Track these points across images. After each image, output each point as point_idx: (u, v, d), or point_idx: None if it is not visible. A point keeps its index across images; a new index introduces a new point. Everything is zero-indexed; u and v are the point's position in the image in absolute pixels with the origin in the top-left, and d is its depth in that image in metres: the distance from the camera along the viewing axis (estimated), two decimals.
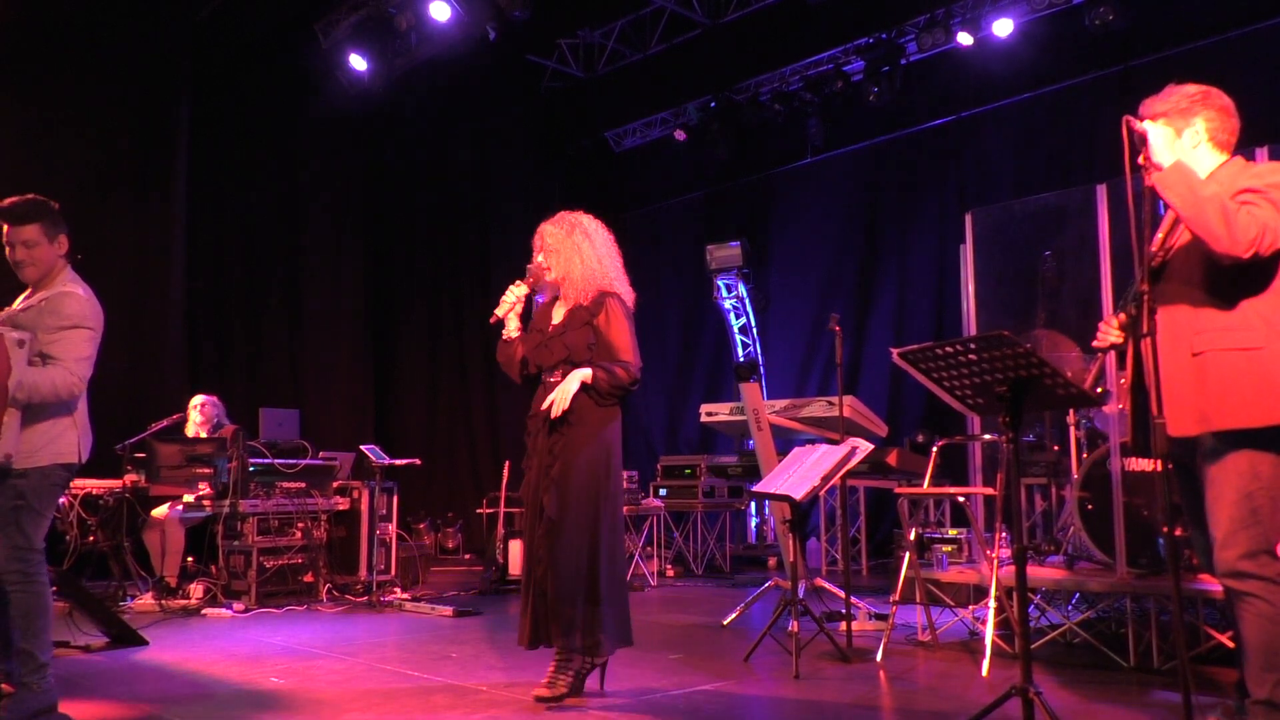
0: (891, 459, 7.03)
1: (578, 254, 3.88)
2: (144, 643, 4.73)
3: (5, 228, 3.48)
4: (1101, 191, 4.69)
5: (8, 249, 3.50)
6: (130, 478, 6.42)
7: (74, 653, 4.70)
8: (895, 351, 3.24)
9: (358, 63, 9.31)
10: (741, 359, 10.35)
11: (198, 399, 7.13)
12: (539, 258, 3.91)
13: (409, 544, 7.51)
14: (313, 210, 9.99)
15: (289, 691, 4.03)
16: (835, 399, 6.44)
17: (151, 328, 8.34)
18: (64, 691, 3.65)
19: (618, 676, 4.16)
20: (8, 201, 3.48)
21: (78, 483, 5.89)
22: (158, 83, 8.87)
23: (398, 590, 6.87)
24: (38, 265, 3.49)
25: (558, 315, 3.89)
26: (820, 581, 6.01)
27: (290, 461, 6.74)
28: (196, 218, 8.90)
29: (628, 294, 3.91)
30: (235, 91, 9.40)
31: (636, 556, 7.44)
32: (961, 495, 4.94)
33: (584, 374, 3.71)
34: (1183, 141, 3.04)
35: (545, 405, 3.71)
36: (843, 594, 4.94)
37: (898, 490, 5.04)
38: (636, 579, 7.40)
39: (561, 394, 3.66)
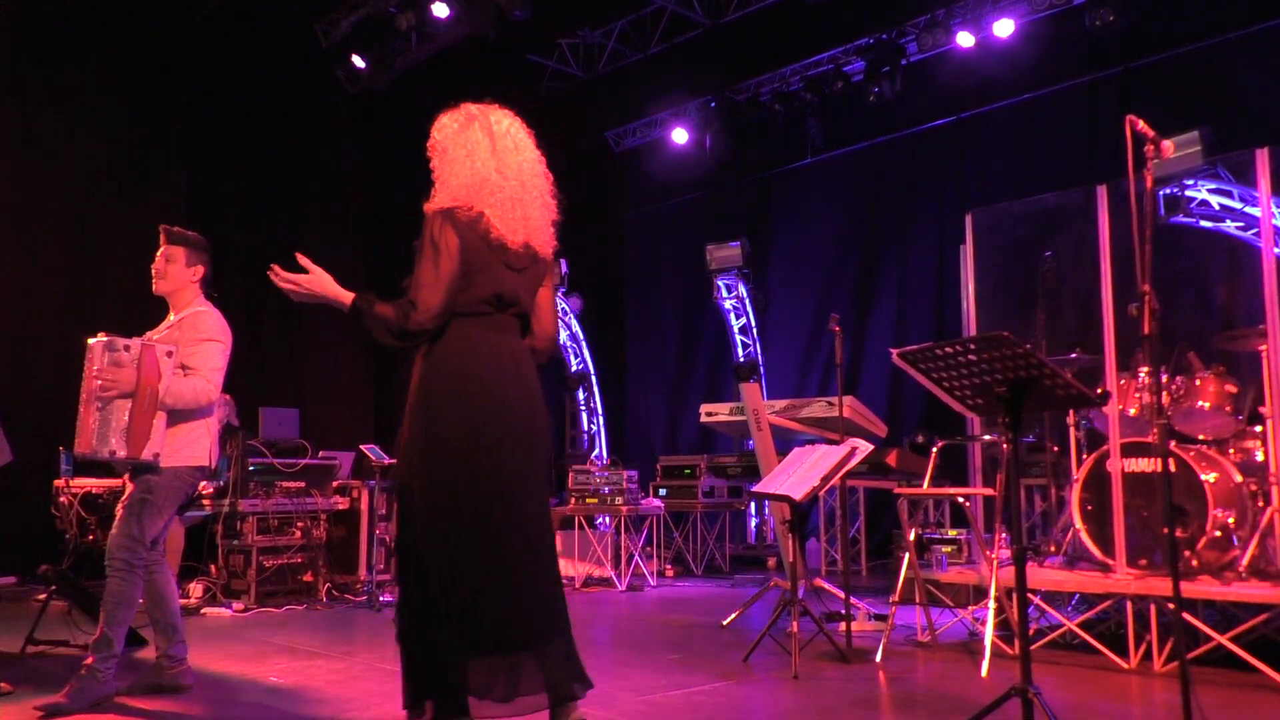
0: (891, 459, 7.03)
1: None
2: (144, 642, 4.72)
3: (162, 240, 4.01)
4: (1102, 192, 4.70)
5: (156, 260, 4.00)
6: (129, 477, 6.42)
7: (74, 652, 4.70)
8: (895, 352, 3.23)
9: (358, 62, 9.31)
10: (741, 359, 10.35)
11: None
12: None
13: None
14: (313, 209, 10.00)
15: (289, 690, 4.04)
16: (835, 399, 6.44)
17: (151, 326, 8.34)
18: (58, 688, 3.66)
19: (616, 676, 4.17)
20: (179, 228, 4.07)
21: (77, 481, 5.90)
22: (157, 82, 8.89)
23: (397, 590, 6.87)
24: (167, 280, 3.98)
25: None
26: (820, 582, 6.01)
27: (290, 461, 6.74)
28: (195, 216, 8.89)
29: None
30: (235, 91, 9.40)
31: (636, 556, 7.44)
32: (961, 496, 4.94)
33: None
34: None
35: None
36: (842, 594, 4.94)
37: (897, 491, 5.04)
38: (636, 579, 7.40)
39: None
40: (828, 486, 4.54)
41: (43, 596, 5.27)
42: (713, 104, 10.05)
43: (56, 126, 8.23)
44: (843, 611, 4.82)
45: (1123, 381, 4.79)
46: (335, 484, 7.03)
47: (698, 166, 10.63)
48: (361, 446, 7.11)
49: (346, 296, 2.79)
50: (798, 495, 4.36)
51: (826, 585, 5.99)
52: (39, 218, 8.28)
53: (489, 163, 2.87)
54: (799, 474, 4.50)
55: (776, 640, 4.62)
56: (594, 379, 11.28)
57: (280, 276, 2.81)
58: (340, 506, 6.96)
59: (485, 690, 2.69)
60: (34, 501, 6.34)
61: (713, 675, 4.20)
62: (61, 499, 5.90)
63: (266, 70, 9.48)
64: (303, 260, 2.83)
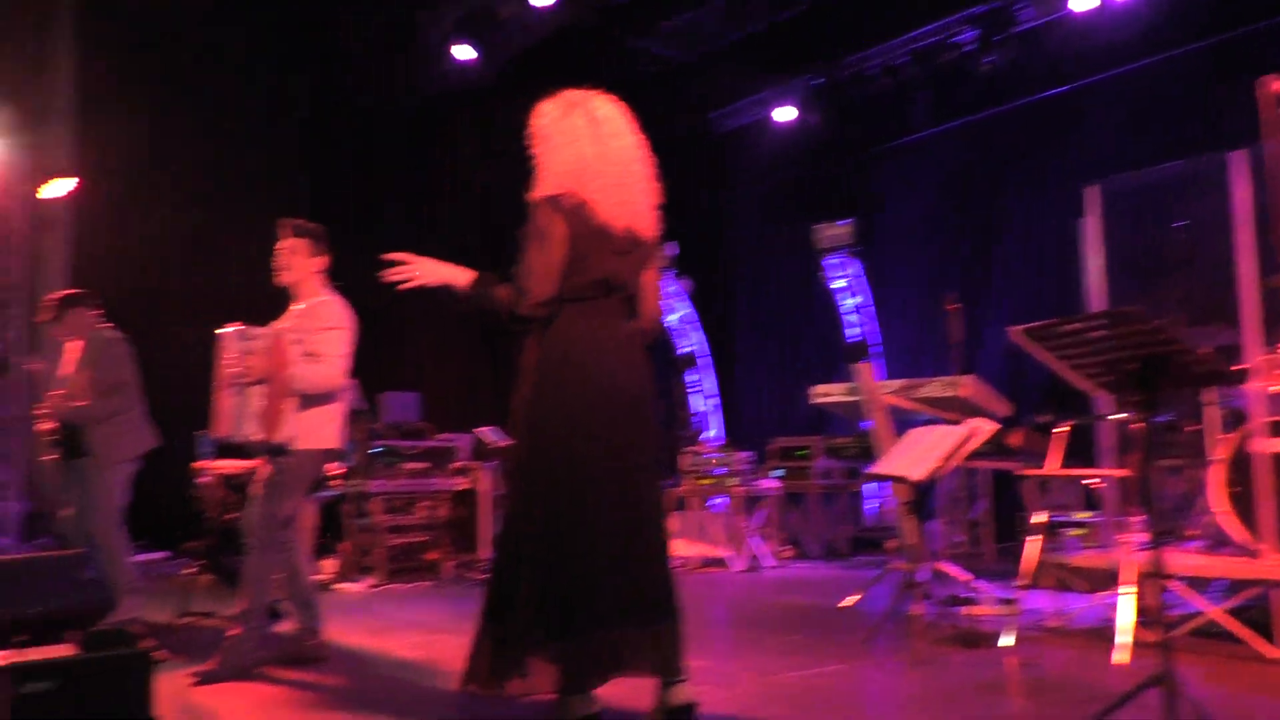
0: (1014, 440, 6.83)
1: None
2: (282, 615, 4.96)
3: (284, 233, 4.16)
4: (1238, 158, 4.44)
5: (278, 253, 4.16)
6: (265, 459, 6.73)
7: (220, 623, 4.97)
8: (1016, 330, 3.13)
9: (463, 53, 9.47)
10: (853, 339, 10.20)
11: None
12: None
13: None
14: (426, 197, 10.27)
15: (417, 664, 4.19)
16: (953, 379, 6.29)
17: (277, 315, 8.73)
18: (207, 657, 3.89)
19: (735, 657, 4.18)
20: (299, 220, 4.23)
21: (218, 464, 6.21)
22: (279, 73, 9.27)
23: None
24: (291, 270, 4.15)
25: None
26: (942, 565, 5.89)
27: (412, 443, 6.96)
28: (317, 207, 9.22)
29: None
30: (347, 82, 9.72)
31: (751, 538, 7.42)
32: (1092, 477, 4.78)
33: None
34: None
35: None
36: (966, 578, 4.85)
37: (1023, 472, 4.90)
38: (752, 560, 7.38)
39: None
40: (948, 467, 4.45)
41: (191, 571, 5.59)
42: (817, 81, 9.90)
43: (186, 118, 8.65)
44: (967, 595, 4.72)
45: (1265, 357, 4.55)
46: (455, 465, 7.23)
47: (803, 145, 10.50)
48: (478, 429, 7.28)
49: (464, 277, 2.85)
50: (916, 476, 4.29)
51: (949, 568, 5.86)
52: (174, 209, 8.73)
53: (590, 148, 2.90)
54: (917, 454, 4.42)
55: (898, 624, 4.56)
56: (705, 360, 11.29)
57: (395, 263, 2.87)
58: (460, 487, 7.15)
59: (581, 668, 2.74)
60: (179, 482, 6.69)
61: (832, 658, 4.17)
62: (202, 480, 6.21)
63: (378, 65, 9.75)
64: (397, 256, 2.88)
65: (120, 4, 8.20)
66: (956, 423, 4.64)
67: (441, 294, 2.93)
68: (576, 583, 2.74)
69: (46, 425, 5.18)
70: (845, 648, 4.38)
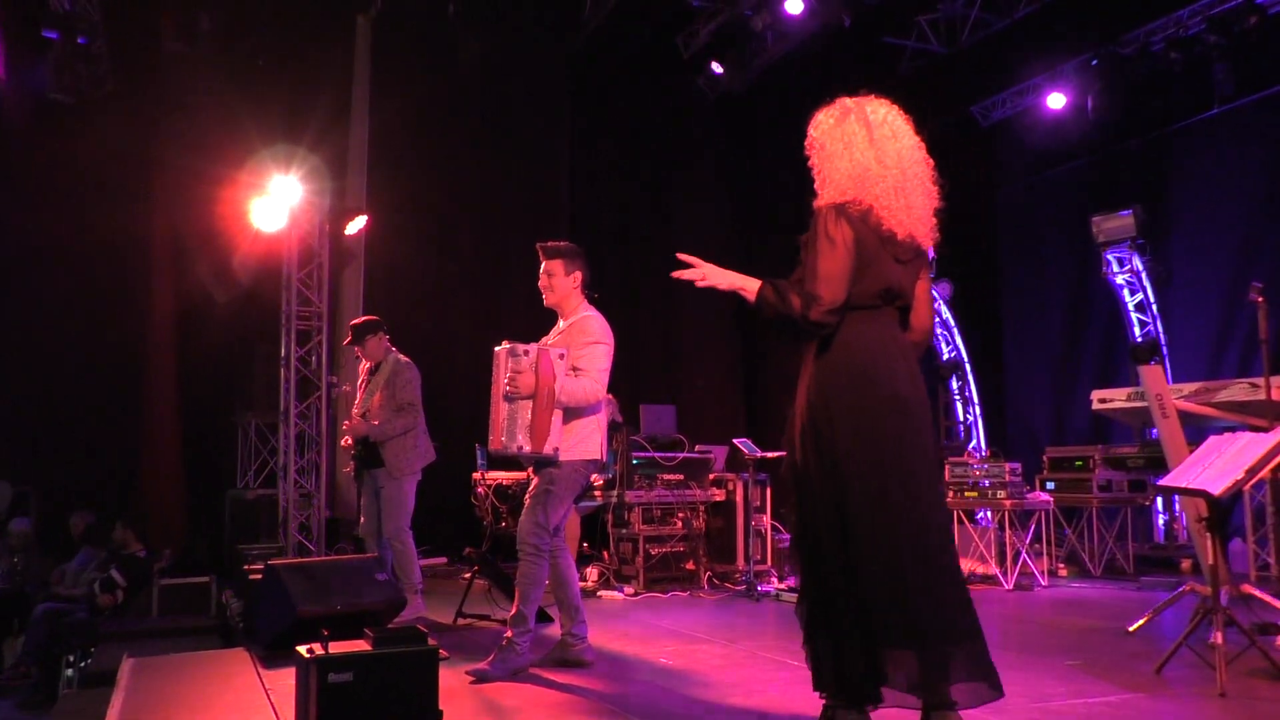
0: None
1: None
2: (550, 620, 5.21)
3: (541, 258, 4.35)
4: None
5: (540, 277, 4.36)
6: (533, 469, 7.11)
7: (494, 625, 5.30)
8: None
9: (716, 68, 9.63)
10: (1139, 339, 9.35)
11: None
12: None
13: (783, 535, 7.62)
14: (684, 212, 10.49)
15: (677, 672, 4.26)
16: (1260, 380, 5.63)
17: (548, 330, 9.25)
18: (483, 656, 4.13)
19: (1007, 680, 3.91)
20: (551, 242, 4.38)
21: (491, 474, 6.62)
22: (545, 103, 9.84)
23: (774, 580, 7.00)
24: (553, 292, 4.33)
25: None
26: (1248, 588, 5.25)
27: (669, 455, 7.11)
28: (576, 225, 9.68)
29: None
30: (609, 107, 10.14)
31: (1023, 553, 6.97)
32: None
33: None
34: None
35: None
36: (1278, 604, 4.30)
37: None
38: (1024, 577, 6.94)
39: None
40: (1255, 480, 3.97)
41: (468, 576, 5.99)
42: (1094, 61, 9.19)
43: (462, 159, 9.37)
44: (1278, 623, 4.18)
45: None
46: (711, 476, 7.30)
47: (1078, 132, 9.78)
48: (734, 440, 7.31)
49: (753, 283, 2.85)
50: (1216, 490, 3.86)
51: (1257, 592, 5.22)
52: (453, 240, 9.47)
53: (867, 153, 2.83)
54: (1217, 465, 3.98)
55: (1195, 652, 4.11)
56: (968, 367, 10.76)
57: (685, 266, 2.91)
58: (717, 498, 7.22)
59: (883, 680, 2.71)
60: (457, 492, 7.20)
61: (1119, 685, 3.84)
62: (478, 490, 6.65)
63: (636, 87, 10.12)
64: (685, 258, 2.93)
65: (406, 66, 9.04)
66: (1266, 429, 4.13)
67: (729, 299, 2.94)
68: (878, 593, 2.69)
69: (346, 441, 5.76)
70: (1133, 675, 4.02)
